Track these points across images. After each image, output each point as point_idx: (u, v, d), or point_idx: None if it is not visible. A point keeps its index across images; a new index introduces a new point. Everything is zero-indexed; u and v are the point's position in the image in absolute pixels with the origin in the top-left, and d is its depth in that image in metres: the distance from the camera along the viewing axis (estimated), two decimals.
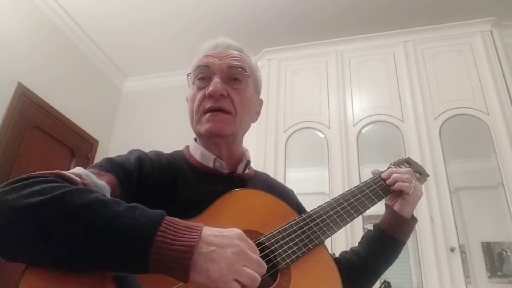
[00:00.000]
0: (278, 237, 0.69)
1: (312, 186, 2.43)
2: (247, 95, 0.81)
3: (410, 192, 0.86)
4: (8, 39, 2.50)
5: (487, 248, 1.98)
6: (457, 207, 2.03)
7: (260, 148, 2.42)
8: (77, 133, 3.03)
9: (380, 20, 2.80)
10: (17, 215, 0.47)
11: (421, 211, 2.00)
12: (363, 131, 2.37)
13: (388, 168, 0.94)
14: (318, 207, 0.79)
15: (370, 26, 2.77)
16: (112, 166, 0.67)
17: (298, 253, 0.68)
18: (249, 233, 0.67)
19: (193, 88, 0.82)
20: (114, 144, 3.41)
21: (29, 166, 2.48)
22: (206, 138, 0.80)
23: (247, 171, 0.85)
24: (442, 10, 2.71)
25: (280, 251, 0.67)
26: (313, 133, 2.48)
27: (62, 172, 0.56)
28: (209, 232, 0.50)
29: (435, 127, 2.25)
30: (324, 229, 0.75)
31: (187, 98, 0.83)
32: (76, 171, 0.61)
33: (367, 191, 0.86)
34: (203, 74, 0.80)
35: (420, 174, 1.01)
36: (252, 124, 0.89)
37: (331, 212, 0.78)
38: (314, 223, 0.75)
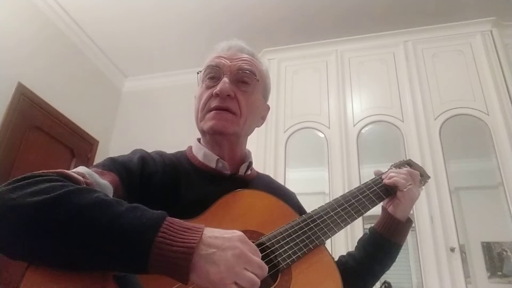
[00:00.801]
0: (279, 237, 0.69)
1: (312, 186, 2.43)
2: (253, 99, 0.82)
3: (405, 189, 0.85)
4: (8, 40, 2.50)
5: (487, 248, 1.98)
6: (457, 207, 2.03)
7: (260, 148, 2.42)
8: (77, 133, 3.03)
9: (380, 20, 2.80)
10: (20, 213, 0.47)
11: (421, 211, 2.00)
12: (363, 131, 2.37)
13: (388, 170, 0.95)
14: (318, 207, 0.79)
15: (370, 26, 2.77)
16: (115, 166, 0.67)
17: (299, 253, 0.68)
18: (250, 233, 0.67)
19: (201, 87, 0.82)
20: (114, 144, 3.41)
21: (29, 166, 2.47)
22: (209, 137, 0.80)
23: (249, 172, 0.85)
24: (442, 10, 2.71)
25: (280, 251, 0.67)
26: (313, 133, 2.48)
27: (66, 171, 0.57)
28: (210, 233, 0.50)
29: (435, 127, 2.25)
30: (325, 229, 0.75)
31: (195, 96, 0.84)
32: (79, 171, 0.61)
33: (367, 192, 0.86)
34: (213, 73, 0.80)
35: (421, 176, 1.00)
36: None
37: (331, 213, 0.78)
38: (314, 223, 0.75)
